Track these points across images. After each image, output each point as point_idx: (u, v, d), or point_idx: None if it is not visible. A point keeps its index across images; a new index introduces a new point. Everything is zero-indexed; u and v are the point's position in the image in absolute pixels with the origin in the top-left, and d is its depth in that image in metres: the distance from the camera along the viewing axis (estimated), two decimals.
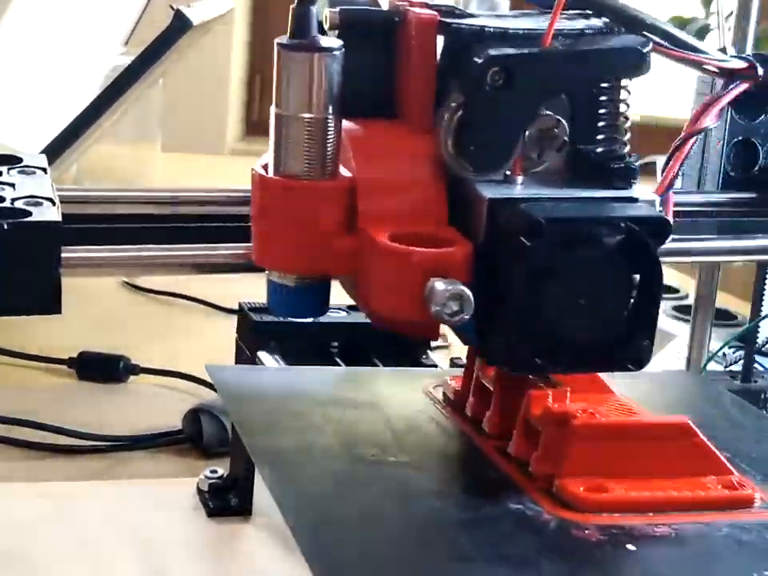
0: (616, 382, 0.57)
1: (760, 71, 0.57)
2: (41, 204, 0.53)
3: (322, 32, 0.54)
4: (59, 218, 0.52)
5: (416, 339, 0.57)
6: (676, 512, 0.50)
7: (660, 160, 0.57)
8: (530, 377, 0.54)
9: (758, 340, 0.81)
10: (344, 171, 0.54)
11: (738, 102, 0.57)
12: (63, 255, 0.52)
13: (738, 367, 0.82)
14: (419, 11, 0.54)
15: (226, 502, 0.73)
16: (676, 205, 0.56)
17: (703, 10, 2.00)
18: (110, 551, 0.68)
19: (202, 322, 1.11)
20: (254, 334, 0.78)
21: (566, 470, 0.51)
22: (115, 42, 1.42)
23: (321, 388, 0.63)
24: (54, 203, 0.53)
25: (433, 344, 0.83)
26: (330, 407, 0.59)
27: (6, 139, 1.16)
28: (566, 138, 0.54)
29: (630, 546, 0.48)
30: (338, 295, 0.57)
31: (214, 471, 0.75)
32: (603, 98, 0.54)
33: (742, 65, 0.57)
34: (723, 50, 0.60)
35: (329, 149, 0.53)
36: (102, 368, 0.96)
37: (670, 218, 0.53)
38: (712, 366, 0.80)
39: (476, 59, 0.51)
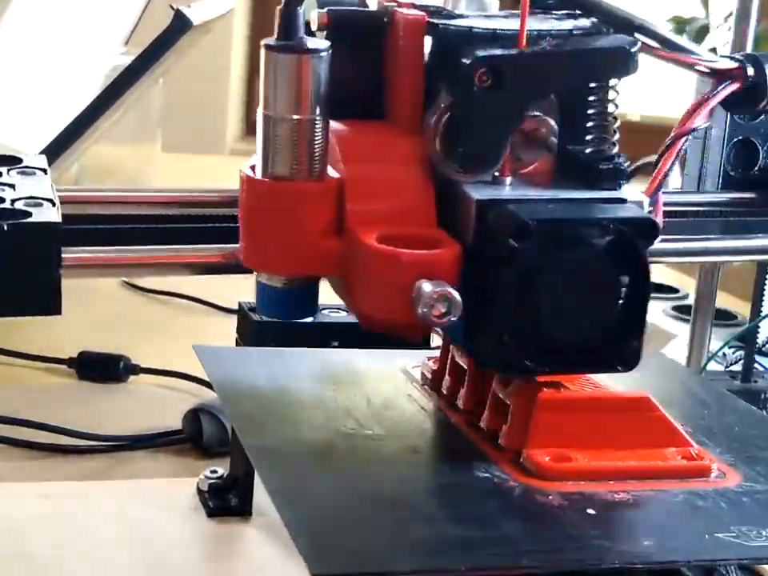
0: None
1: (750, 71, 0.57)
2: (41, 205, 0.53)
3: (310, 33, 0.53)
4: (59, 219, 0.52)
5: (407, 339, 0.57)
6: (636, 480, 0.53)
7: None
8: None
9: (758, 340, 0.81)
10: (332, 172, 0.54)
11: (731, 102, 0.57)
12: (63, 256, 0.52)
13: (738, 367, 0.82)
14: (407, 12, 0.54)
15: (226, 502, 0.73)
16: (676, 205, 0.57)
17: (703, 10, 2.00)
18: (109, 551, 0.68)
19: (202, 322, 1.11)
20: (254, 334, 0.78)
21: (532, 442, 0.53)
22: (115, 42, 1.42)
23: (305, 367, 0.65)
24: (54, 204, 0.53)
25: (433, 344, 0.83)
26: (313, 384, 0.62)
27: (6, 139, 1.16)
28: (554, 139, 0.54)
29: (589, 510, 0.50)
30: (335, 295, 0.57)
31: (214, 471, 0.75)
32: (592, 98, 0.54)
33: (732, 65, 0.57)
34: (714, 51, 0.61)
35: (316, 150, 0.53)
36: (102, 368, 0.96)
37: (660, 219, 0.53)
38: (712, 366, 0.80)
39: (464, 60, 0.51)
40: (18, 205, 0.52)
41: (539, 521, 0.50)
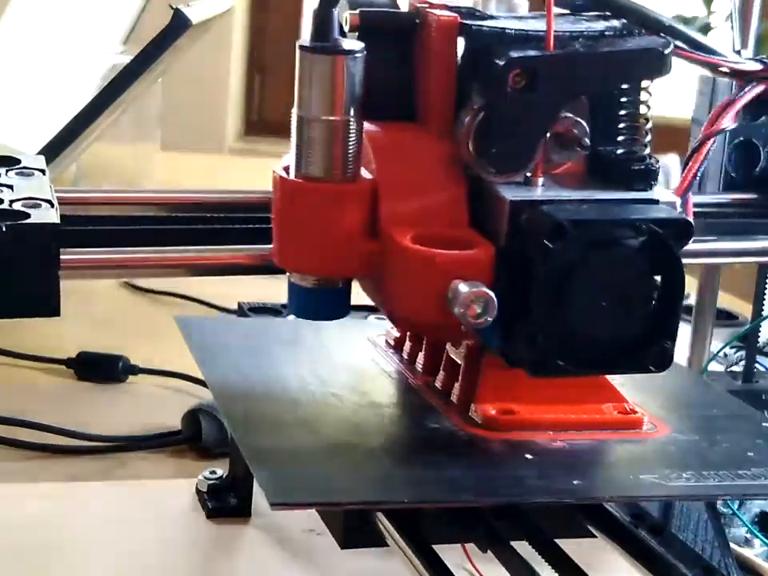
0: None
1: None
2: (39, 206, 0.53)
3: (342, 34, 0.53)
4: (58, 220, 0.52)
5: (442, 341, 0.60)
6: (573, 431, 0.56)
7: (662, 159, 0.57)
8: None
9: (759, 340, 0.81)
10: (365, 173, 0.54)
11: (755, 105, 0.58)
12: (62, 257, 0.51)
13: (739, 368, 0.82)
14: (439, 13, 0.54)
15: (225, 502, 0.73)
16: None
17: (705, 9, 2.00)
18: (108, 552, 0.68)
19: None
20: None
21: (480, 397, 0.57)
22: (114, 41, 1.42)
23: (279, 335, 0.68)
24: (52, 205, 0.53)
25: None
26: (286, 349, 0.66)
27: (5, 139, 1.15)
28: (586, 140, 0.54)
29: (528, 456, 0.54)
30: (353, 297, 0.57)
31: (213, 472, 0.75)
32: (624, 99, 0.54)
33: (758, 67, 0.57)
34: (738, 52, 0.61)
35: (350, 151, 0.53)
36: (101, 368, 0.96)
37: (691, 219, 0.53)
38: (713, 367, 0.80)
39: (497, 61, 0.51)
40: (17, 206, 0.52)
41: (480, 465, 0.54)
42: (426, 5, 0.55)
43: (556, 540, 0.53)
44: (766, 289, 0.78)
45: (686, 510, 0.70)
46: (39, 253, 0.51)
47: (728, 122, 0.57)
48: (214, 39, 1.59)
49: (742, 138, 0.68)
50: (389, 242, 0.52)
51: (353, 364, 0.64)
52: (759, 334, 0.80)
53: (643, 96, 0.55)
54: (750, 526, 0.71)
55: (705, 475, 0.53)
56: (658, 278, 0.52)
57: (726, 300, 1.01)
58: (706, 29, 1.93)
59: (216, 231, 0.60)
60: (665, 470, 0.54)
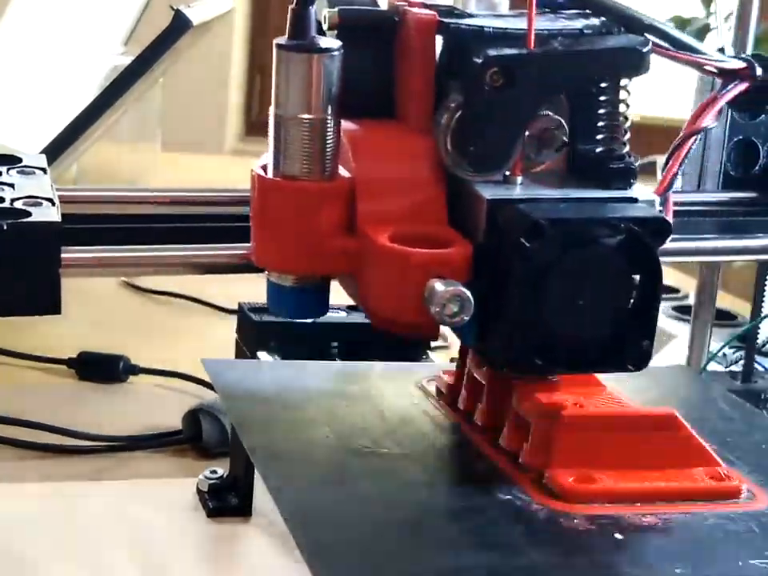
0: (608, 377, 0.57)
1: (758, 71, 0.57)
2: (40, 204, 0.53)
3: (321, 32, 0.53)
4: (59, 219, 0.52)
5: (415, 339, 0.57)
6: (663, 502, 0.51)
7: (660, 160, 0.57)
8: None
9: (758, 340, 0.81)
10: (343, 172, 0.54)
11: (738, 102, 0.57)
12: (63, 256, 0.52)
13: (738, 367, 0.82)
14: (418, 11, 0.54)
15: (226, 502, 0.73)
16: (676, 204, 0.56)
17: (703, 10, 2.00)
18: (109, 551, 0.68)
19: (202, 322, 1.11)
20: (254, 334, 0.78)
21: (555, 461, 0.52)
22: (115, 42, 1.42)
23: (317, 382, 0.63)
24: (53, 203, 0.53)
25: (433, 344, 0.83)
26: (325, 401, 0.60)
27: (6, 139, 1.15)
28: (565, 138, 0.54)
29: (617, 535, 0.48)
30: (338, 295, 0.57)
31: (214, 471, 0.75)
32: (602, 97, 0.54)
33: (741, 65, 0.57)
34: (722, 51, 0.60)
35: (328, 149, 0.53)
36: (102, 368, 0.96)
37: (670, 218, 0.53)
38: (712, 367, 0.80)
39: (475, 59, 0.51)
40: (18, 204, 0.52)
41: (566, 547, 0.48)
42: (405, 3, 0.55)
43: None
44: (765, 288, 0.78)
45: None
46: (40, 251, 0.51)
47: (709, 121, 0.56)
48: (215, 40, 1.60)
49: (741, 137, 0.68)
50: (366, 240, 0.52)
51: (404, 417, 0.59)
52: (758, 333, 0.80)
53: (622, 95, 0.54)
54: None
55: None
56: (636, 276, 0.51)
57: (725, 300, 1.01)
58: (705, 30, 1.93)
59: (217, 230, 0.60)
60: None
